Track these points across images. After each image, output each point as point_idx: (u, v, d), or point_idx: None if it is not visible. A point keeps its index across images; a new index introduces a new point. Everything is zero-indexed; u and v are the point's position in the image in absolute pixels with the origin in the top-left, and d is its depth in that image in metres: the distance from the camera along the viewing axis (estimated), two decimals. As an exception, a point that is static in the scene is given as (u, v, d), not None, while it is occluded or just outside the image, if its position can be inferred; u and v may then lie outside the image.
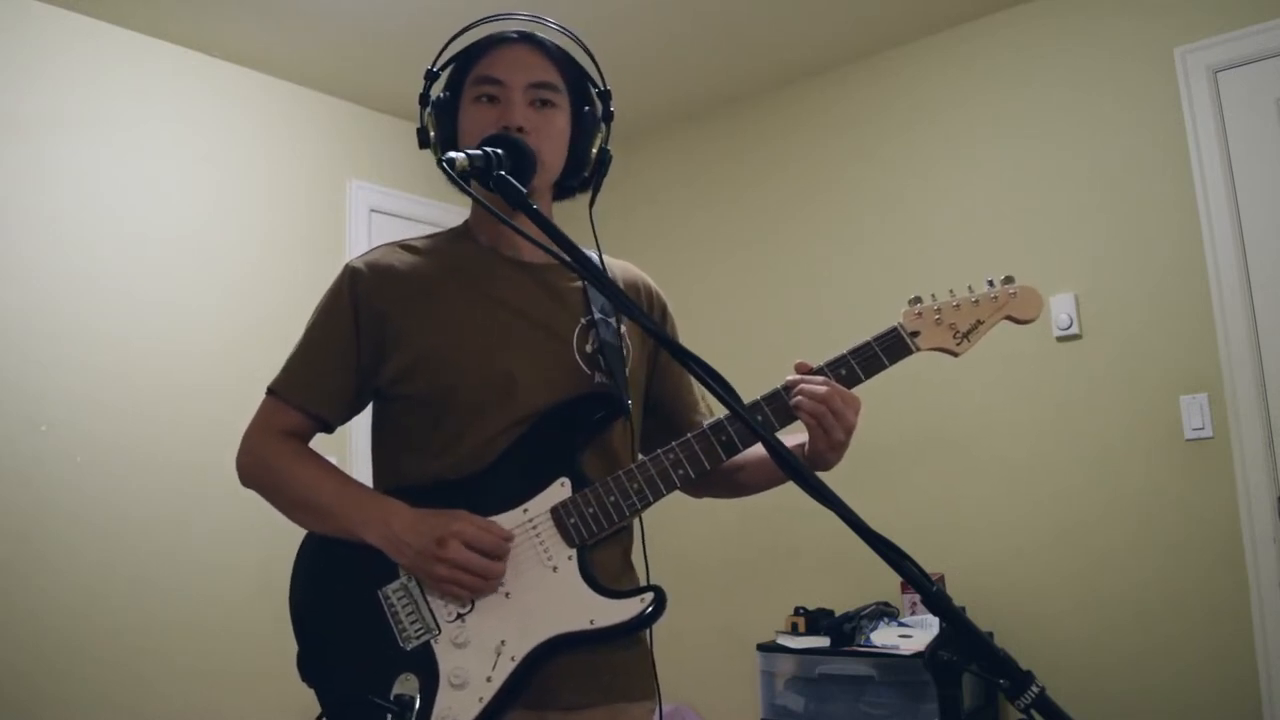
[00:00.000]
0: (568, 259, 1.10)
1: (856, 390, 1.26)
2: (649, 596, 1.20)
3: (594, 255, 1.36)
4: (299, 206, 3.47)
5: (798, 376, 1.25)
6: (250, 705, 2.98)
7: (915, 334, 1.28)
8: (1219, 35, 2.75)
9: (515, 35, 1.34)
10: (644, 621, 1.19)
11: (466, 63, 1.34)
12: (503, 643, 1.18)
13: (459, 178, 1.12)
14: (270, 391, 1.33)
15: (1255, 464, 2.58)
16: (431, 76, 1.37)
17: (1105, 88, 2.94)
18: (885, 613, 3.01)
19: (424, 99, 1.37)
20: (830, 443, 1.23)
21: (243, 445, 1.33)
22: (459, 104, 1.34)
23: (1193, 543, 2.66)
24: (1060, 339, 2.94)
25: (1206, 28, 2.77)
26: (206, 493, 2.97)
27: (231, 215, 3.28)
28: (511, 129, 1.26)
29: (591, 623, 1.19)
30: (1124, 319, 2.84)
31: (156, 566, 2.91)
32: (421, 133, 1.37)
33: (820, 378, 1.24)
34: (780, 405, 1.24)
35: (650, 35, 3.28)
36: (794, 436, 1.30)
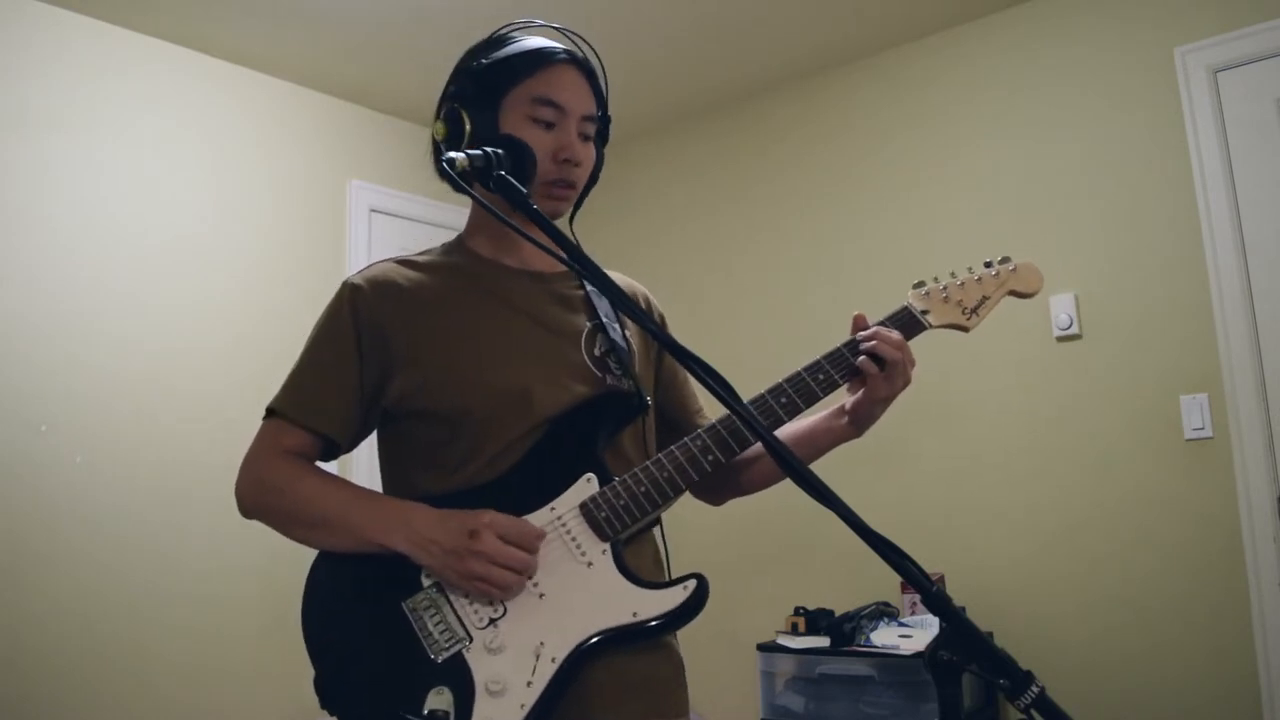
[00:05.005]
0: (567, 259, 1.10)
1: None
2: (691, 584, 1.16)
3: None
4: (299, 206, 3.47)
5: (869, 330, 1.27)
6: (250, 705, 2.98)
7: (925, 312, 1.32)
8: (1219, 35, 2.75)
9: (566, 56, 1.30)
10: (688, 610, 1.16)
11: (518, 73, 1.27)
12: (541, 644, 1.13)
13: (459, 178, 1.11)
14: (270, 412, 1.27)
15: (1255, 464, 2.58)
16: (474, 73, 1.29)
17: (1105, 88, 2.94)
18: (885, 613, 3.01)
19: (461, 95, 1.28)
20: (890, 391, 1.25)
21: (241, 472, 1.27)
22: (500, 107, 1.27)
23: (1193, 543, 2.66)
24: (1060, 339, 2.94)
25: (1206, 28, 2.77)
26: (207, 493, 2.97)
27: (231, 215, 3.28)
28: (571, 161, 1.27)
29: (635, 615, 1.15)
30: (1124, 319, 2.84)
31: (156, 567, 2.91)
32: (455, 126, 1.26)
33: (893, 331, 1.27)
34: (842, 361, 1.25)
35: (649, 35, 3.28)
36: (824, 412, 1.32)
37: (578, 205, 1.39)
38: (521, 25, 1.35)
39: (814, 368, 1.25)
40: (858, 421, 1.30)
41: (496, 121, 1.27)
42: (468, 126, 1.25)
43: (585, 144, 1.31)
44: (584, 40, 1.36)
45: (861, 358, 1.24)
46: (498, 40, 1.33)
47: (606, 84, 1.36)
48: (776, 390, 1.24)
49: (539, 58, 1.29)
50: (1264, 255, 2.65)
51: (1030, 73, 3.10)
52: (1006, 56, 3.16)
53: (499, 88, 1.28)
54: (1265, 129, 2.68)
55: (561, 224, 1.37)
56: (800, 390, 1.24)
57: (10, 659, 2.60)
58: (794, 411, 1.24)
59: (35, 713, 2.61)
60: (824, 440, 1.34)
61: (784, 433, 1.34)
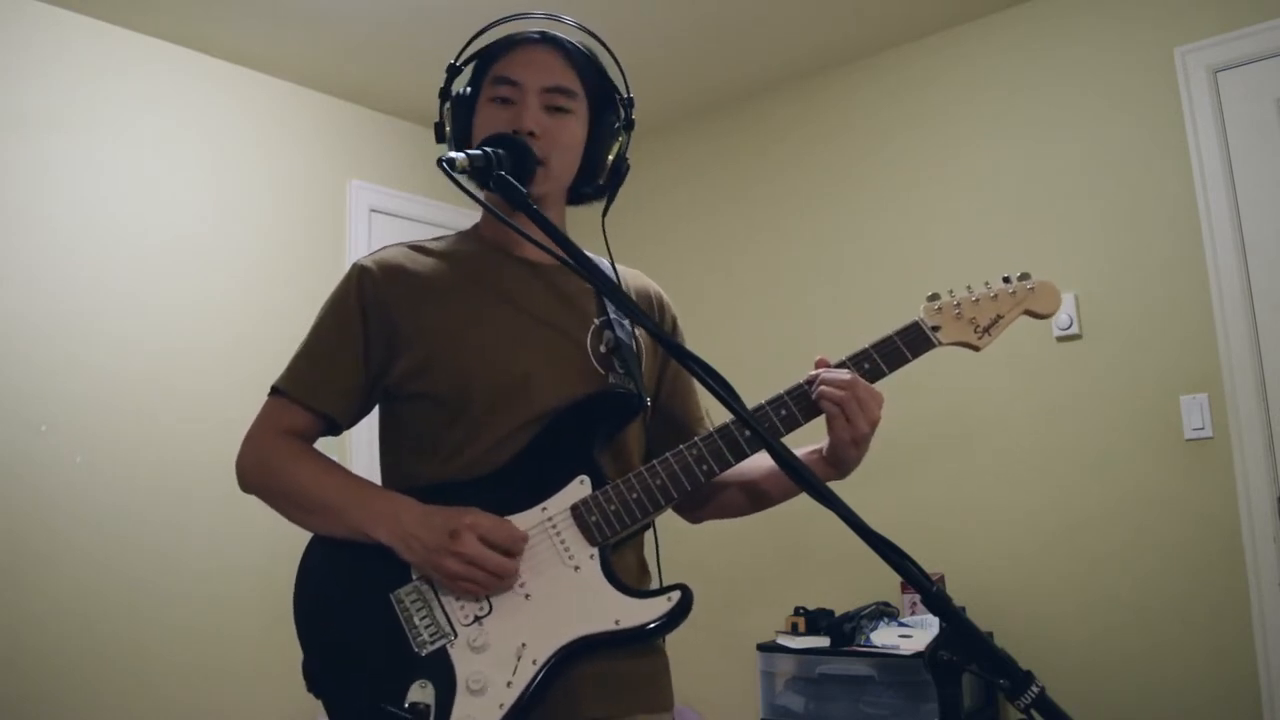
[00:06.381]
0: (567, 259, 1.10)
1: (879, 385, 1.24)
2: (675, 595, 1.16)
3: (605, 263, 1.35)
4: (299, 206, 3.47)
5: (819, 370, 1.23)
6: (250, 705, 2.98)
7: (936, 328, 1.27)
8: (1219, 35, 2.74)
9: (537, 36, 1.32)
10: (671, 621, 1.16)
11: (487, 60, 1.32)
12: (523, 645, 1.14)
13: (458, 178, 1.12)
14: (274, 391, 1.29)
15: (1255, 464, 2.58)
16: (453, 71, 1.34)
17: (1105, 88, 2.94)
18: (885, 613, 3.01)
19: (444, 93, 1.34)
20: (854, 435, 1.19)
21: (243, 447, 1.28)
22: (477, 101, 1.32)
23: (1193, 543, 2.66)
24: (1060, 339, 2.94)
25: (1206, 28, 2.77)
26: (207, 493, 2.97)
27: (232, 215, 3.28)
28: (522, 132, 1.25)
29: (617, 623, 1.15)
30: (1124, 319, 2.84)
31: (156, 567, 2.91)
32: (438, 127, 1.35)
33: (843, 369, 1.22)
34: (803, 398, 1.21)
35: (651, 35, 3.28)
36: (806, 448, 1.28)
37: (610, 199, 1.39)
38: (499, 23, 1.36)
39: (776, 402, 1.22)
40: (835, 463, 1.25)
41: (473, 116, 1.31)
42: (448, 128, 1.33)
43: (554, 115, 1.29)
44: (573, 21, 1.37)
45: (819, 399, 1.20)
46: (475, 39, 1.35)
47: (621, 68, 1.36)
48: (740, 424, 1.20)
49: (499, 45, 1.32)
50: (1264, 255, 2.65)
51: (1030, 73, 3.10)
52: (1006, 56, 3.16)
53: (475, 83, 1.33)
54: (1265, 129, 2.68)
55: (592, 218, 1.36)
56: (765, 427, 1.19)
57: (10, 659, 2.60)
58: (756, 446, 1.21)
59: (35, 713, 2.61)
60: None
61: (766, 462, 1.30)
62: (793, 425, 1.22)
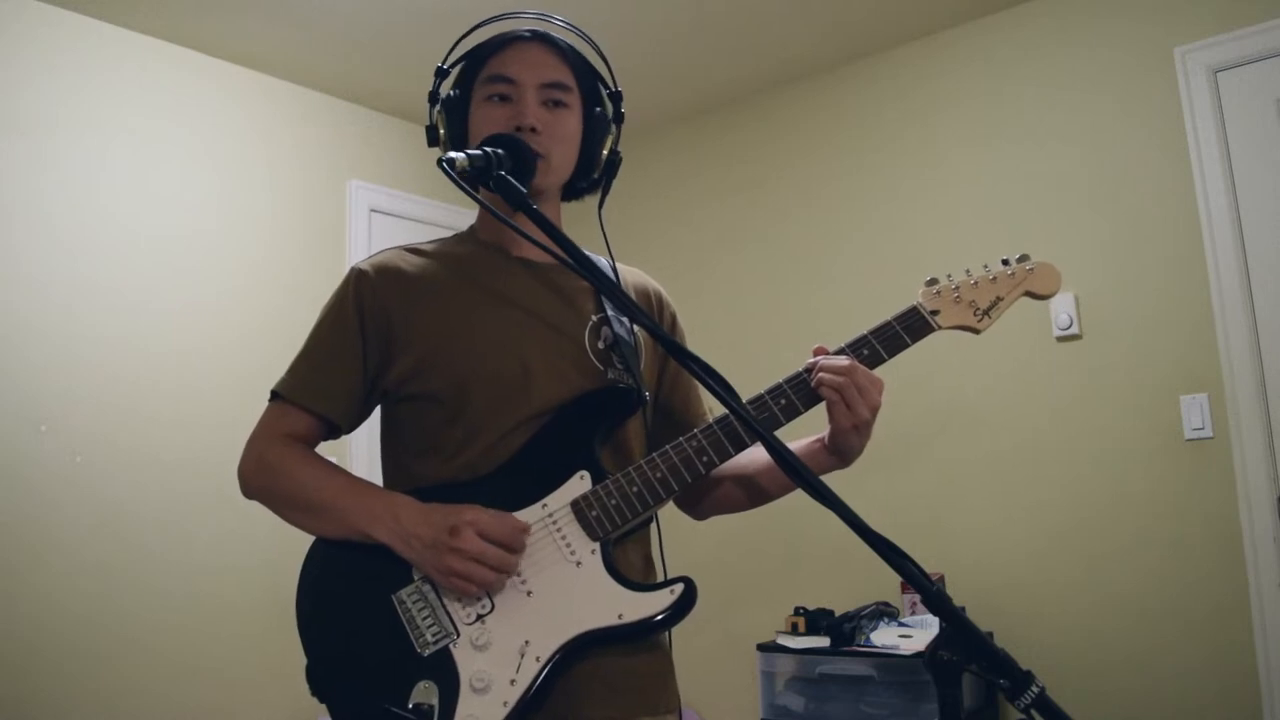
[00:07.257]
0: (567, 259, 1.10)
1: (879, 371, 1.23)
2: (679, 587, 1.16)
3: (604, 258, 1.36)
4: (299, 206, 3.47)
5: (818, 358, 1.22)
6: (250, 705, 2.98)
7: (935, 312, 1.26)
8: (1219, 35, 2.75)
9: (529, 34, 1.33)
10: (675, 614, 1.16)
11: (478, 61, 1.33)
12: (526, 643, 1.14)
13: (458, 178, 1.12)
14: (275, 395, 1.30)
15: (1255, 464, 2.58)
16: (442, 74, 1.35)
17: (1105, 88, 2.94)
18: (885, 613, 3.01)
19: (434, 96, 1.35)
20: (855, 421, 1.19)
21: (245, 453, 1.29)
22: (469, 102, 1.33)
23: (1193, 543, 2.66)
24: (1060, 339, 2.94)
25: (1206, 28, 2.77)
26: (207, 493, 2.97)
27: (232, 215, 3.28)
28: (524, 128, 1.26)
29: (620, 617, 1.15)
30: (1124, 319, 2.84)
31: (156, 566, 2.91)
32: (431, 131, 1.35)
33: (842, 356, 1.22)
34: (802, 386, 1.21)
35: (651, 35, 3.28)
36: (807, 438, 1.28)
37: (605, 192, 1.40)
38: (487, 23, 1.37)
39: (776, 391, 1.22)
40: (837, 451, 1.24)
41: (467, 117, 1.32)
42: (441, 130, 1.33)
43: (553, 110, 1.30)
44: (562, 20, 1.37)
45: (818, 387, 1.20)
46: (461, 41, 1.36)
47: (607, 63, 1.38)
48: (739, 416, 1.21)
49: (491, 45, 1.33)
50: (1264, 255, 2.65)
51: (1030, 73, 3.10)
52: (1006, 56, 3.16)
53: (465, 84, 1.34)
54: (1265, 129, 2.68)
55: (589, 215, 1.37)
56: (765, 417, 1.20)
57: (10, 659, 2.59)
58: (755, 436, 1.20)
59: (35, 712, 2.61)
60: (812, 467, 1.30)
61: (769, 462, 1.30)
62: (793, 414, 1.22)
